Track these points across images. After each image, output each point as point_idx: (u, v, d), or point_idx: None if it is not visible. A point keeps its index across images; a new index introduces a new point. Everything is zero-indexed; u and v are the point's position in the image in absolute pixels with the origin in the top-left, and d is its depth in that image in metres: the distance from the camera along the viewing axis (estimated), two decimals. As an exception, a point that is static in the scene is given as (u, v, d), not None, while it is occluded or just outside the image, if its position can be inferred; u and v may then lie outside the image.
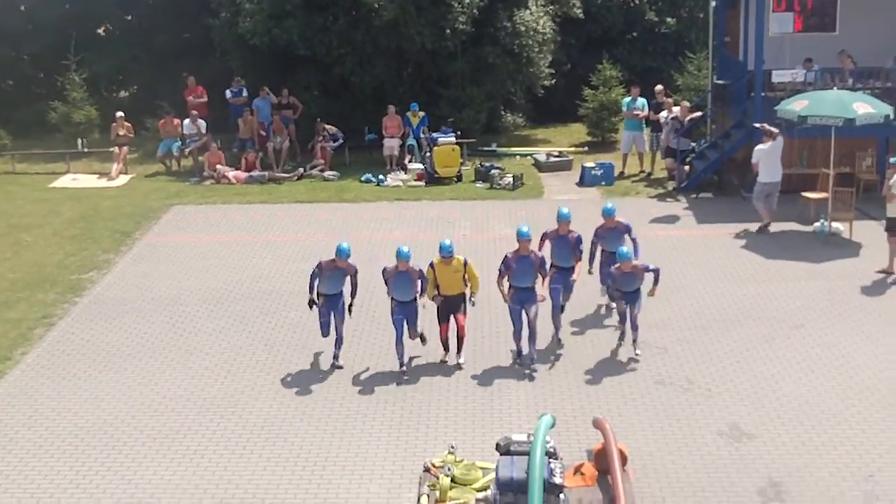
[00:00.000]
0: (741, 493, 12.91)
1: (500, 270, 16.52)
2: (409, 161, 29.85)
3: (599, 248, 18.16)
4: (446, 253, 16.33)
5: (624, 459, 13.06)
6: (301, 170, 29.74)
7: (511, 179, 27.91)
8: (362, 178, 29.07)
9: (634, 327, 16.72)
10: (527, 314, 16.44)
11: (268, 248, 22.98)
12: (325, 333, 16.85)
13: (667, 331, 17.81)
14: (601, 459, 13.19)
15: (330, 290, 16.65)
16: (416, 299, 16.38)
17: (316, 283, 16.58)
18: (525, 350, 16.65)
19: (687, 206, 25.81)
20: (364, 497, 12.90)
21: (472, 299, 16.69)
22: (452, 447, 13.55)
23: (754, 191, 23.40)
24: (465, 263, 16.46)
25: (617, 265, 16.60)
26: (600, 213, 18.15)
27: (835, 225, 22.54)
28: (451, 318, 16.69)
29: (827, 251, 21.69)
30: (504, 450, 12.07)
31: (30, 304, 19.77)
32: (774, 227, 23.28)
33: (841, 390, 15.50)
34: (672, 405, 15.01)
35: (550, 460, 11.83)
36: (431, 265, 16.43)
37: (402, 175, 29.04)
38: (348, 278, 16.71)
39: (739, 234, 23.09)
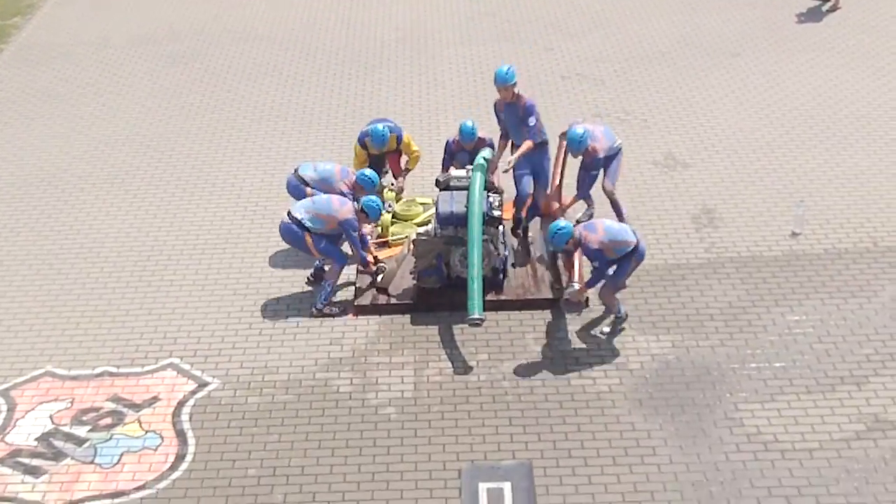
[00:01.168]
0: (675, 221, 13.23)
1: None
2: None
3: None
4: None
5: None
6: None
7: None
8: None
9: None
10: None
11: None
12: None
13: (603, 63, 17.75)
14: (539, 192, 13.38)
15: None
16: None
17: None
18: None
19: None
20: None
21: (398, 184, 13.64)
22: (392, 183, 13.66)
23: None
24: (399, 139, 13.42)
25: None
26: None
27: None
28: None
29: (765, -22, 21.46)
30: (444, 185, 12.18)
31: (-47, 51, 19.25)
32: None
33: (775, 118, 15.68)
34: (609, 137, 15.12)
35: (489, 194, 11.98)
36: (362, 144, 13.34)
37: None
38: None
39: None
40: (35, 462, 10.00)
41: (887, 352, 10.92)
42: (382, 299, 11.97)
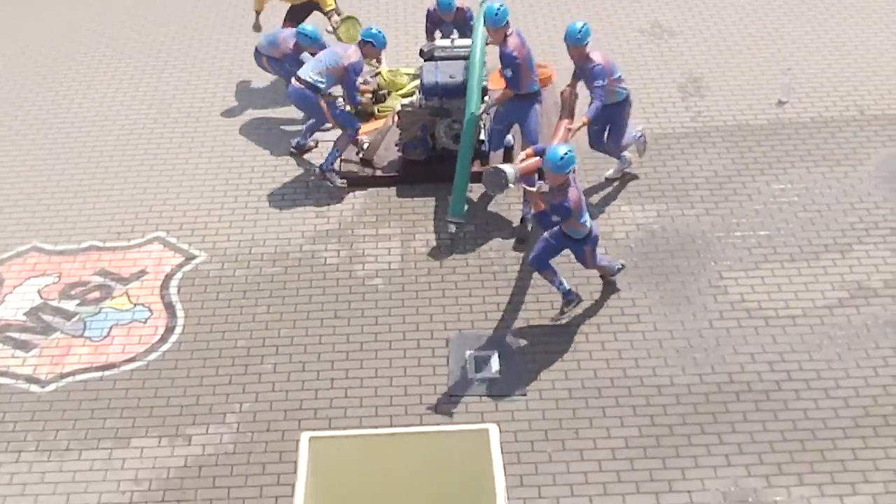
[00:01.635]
0: (661, 89, 13.14)
1: None
2: None
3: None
4: None
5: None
6: None
7: None
8: None
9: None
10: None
11: None
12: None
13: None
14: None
15: None
16: None
17: None
18: None
19: None
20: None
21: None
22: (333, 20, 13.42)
23: None
24: None
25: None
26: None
27: None
28: None
29: None
30: (428, 56, 12.04)
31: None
32: None
33: (762, -15, 15.50)
34: (594, 5, 14.92)
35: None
36: None
37: None
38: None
39: None
40: (25, 336, 10.07)
41: (871, 220, 10.98)
42: (368, 172, 11.93)
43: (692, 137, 12.29)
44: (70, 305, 10.40)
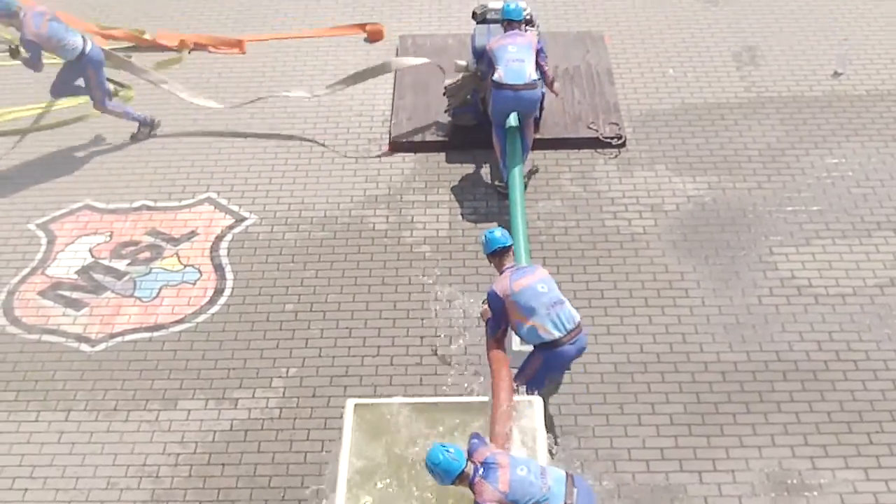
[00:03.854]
0: (716, 58, 12.97)
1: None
2: None
3: None
4: None
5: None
6: None
7: None
8: None
9: None
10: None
11: None
12: None
13: None
14: None
15: None
16: None
17: None
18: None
19: None
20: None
21: None
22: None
23: None
24: None
25: None
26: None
27: None
28: None
29: None
30: (480, 18, 11.92)
31: None
32: None
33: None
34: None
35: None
36: None
37: None
38: None
39: None
40: (76, 295, 10.19)
41: (926, 197, 10.85)
42: (417, 137, 11.85)
43: (746, 108, 12.14)
44: (121, 265, 10.50)
